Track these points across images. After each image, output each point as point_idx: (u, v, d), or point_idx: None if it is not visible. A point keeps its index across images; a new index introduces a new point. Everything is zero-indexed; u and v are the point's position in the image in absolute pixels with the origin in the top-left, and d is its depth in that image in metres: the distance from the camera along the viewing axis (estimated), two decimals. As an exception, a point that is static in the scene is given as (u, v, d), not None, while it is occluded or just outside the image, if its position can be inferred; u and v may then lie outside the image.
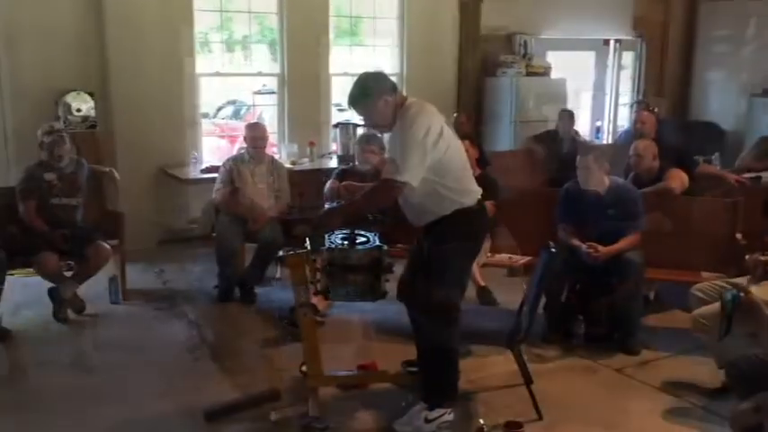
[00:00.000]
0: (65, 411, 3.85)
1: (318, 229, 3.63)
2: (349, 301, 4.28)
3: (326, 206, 4.46)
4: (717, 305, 3.68)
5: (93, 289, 5.46)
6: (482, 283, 5.42)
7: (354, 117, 5.93)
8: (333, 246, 3.56)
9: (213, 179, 5.96)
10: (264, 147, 5.90)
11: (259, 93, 9.27)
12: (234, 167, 5.74)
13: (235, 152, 7.05)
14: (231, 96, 11.14)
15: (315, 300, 4.05)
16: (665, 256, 4.93)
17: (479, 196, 3.64)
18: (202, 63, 7.52)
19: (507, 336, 3.88)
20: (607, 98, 10.36)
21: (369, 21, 8.51)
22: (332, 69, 8.05)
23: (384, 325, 5.00)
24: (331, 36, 8.09)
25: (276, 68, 7.87)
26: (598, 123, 10.12)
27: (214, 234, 5.74)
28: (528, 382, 3.83)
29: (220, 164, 6.05)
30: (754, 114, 9.63)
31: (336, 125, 7.85)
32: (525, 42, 9.00)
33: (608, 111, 10.40)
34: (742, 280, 3.84)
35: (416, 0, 8.37)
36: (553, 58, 9.29)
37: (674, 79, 10.86)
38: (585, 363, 4.54)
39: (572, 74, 9.47)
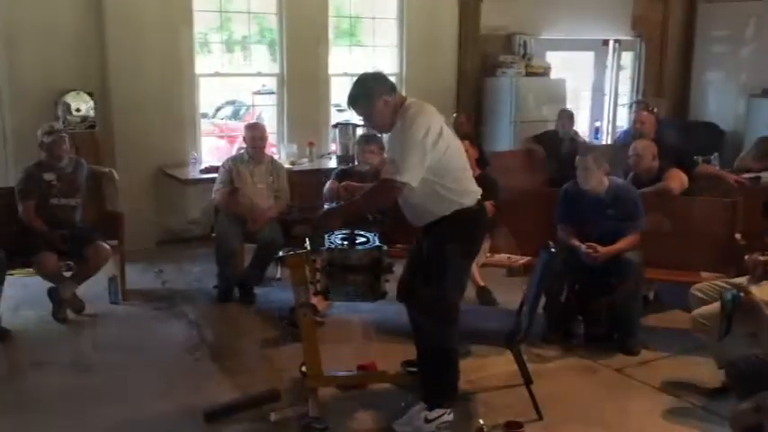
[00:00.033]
0: (64, 411, 3.85)
1: (318, 229, 3.64)
2: (349, 301, 4.29)
3: (326, 206, 4.46)
4: (716, 305, 3.69)
5: (93, 289, 5.46)
6: (481, 284, 5.42)
7: (354, 117, 5.93)
8: (332, 246, 3.56)
9: (212, 179, 5.97)
10: (264, 147, 5.89)
11: (258, 93, 9.28)
12: (233, 168, 5.74)
13: (234, 152, 7.04)
14: (230, 97, 11.14)
15: (314, 300, 4.05)
16: (664, 257, 4.93)
17: (479, 196, 3.64)
18: (202, 63, 7.52)
19: (507, 336, 3.88)
20: (606, 98, 10.36)
21: (368, 21, 8.50)
22: (331, 70, 8.05)
23: (384, 325, 5.01)
24: (330, 36, 8.08)
25: (275, 69, 7.87)
26: (597, 124, 10.11)
27: (213, 234, 5.74)
28: (528, 382, 3.83)
29: (220, 164, 6.05)
30: (754, 115, 9.63)
31: (336, 125, 7.85)
32: (525, 42, 9.00)
33: (607, 111, 10.40)
34: (741, 280, 3.84)
35: (416, 0, 8.37)
36: (552, 58, 9.29)
37: (673, 79, 10.87)
38: (585, 363, 4.54)
39: (571, 74, 9.47)
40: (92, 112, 6.61)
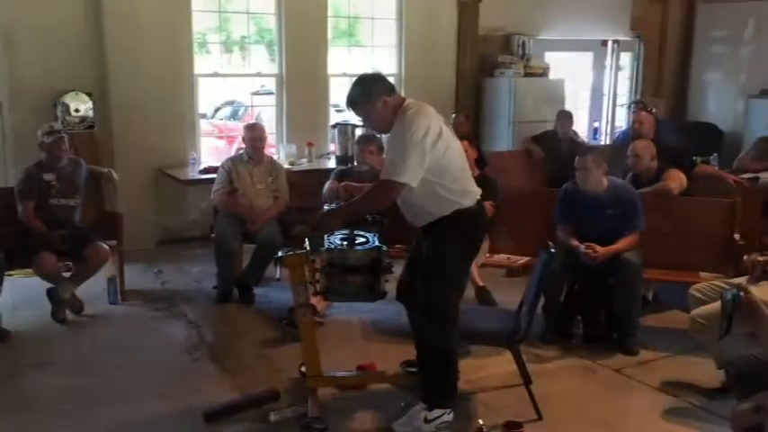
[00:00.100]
0: (64, 411, 3.85)
1: (318, 230, 3.63)
2: (348, 301, 4.32)
3: (326, 207, 4.46)
4: (715, 305, 3.68)
5: (92, 289, 5.46)
6: (480, 284, 5.42)
7: (353, 118, 5.94)
8: (332, 246, 3.56)
9: (212, 180, 5.97)
10: (263, 147, 5.89)
11: (257, 93, 9.29)
12: (232, 168, 5.74)
13: (233, 153, 7.04)
14: (229, 97, 11.15)
15: (314, 300, 4.06)
16: (663, 257, 4.94)
17: (478, 197, 3.64)
18: (200, 63, 7.52)
19: (506, 336, 3.88)
20: (605, 99, 10.36)
21: (367, 21, 8.51)
22: (330, 70, 8.06)
23: (383, 325, 5.01)
24: (329, 37, 8.08)
25: (274, 69, 7.87)
26: (596, 124, 10.11)
27: (213, 235, 5.74)
28: (527, 382, 3.83)
29: (219, 164, 6.05)
30: (752, 115, 9.64)
31: (335, 126, 7.86)
32: (524, 43, 9.01)
33: (606, 111, 10.40)
34: (740, 280, 3.84)
35: (415, 1, 8.38)
36: (551, 58, 9.30)
37: (671, 80, 10.88)
38: (584, 363, 4.54)
39: (570, 74, 9.48)
40: (91, 113, 6.60)
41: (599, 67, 10.21)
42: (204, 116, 9.00)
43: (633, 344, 4.66)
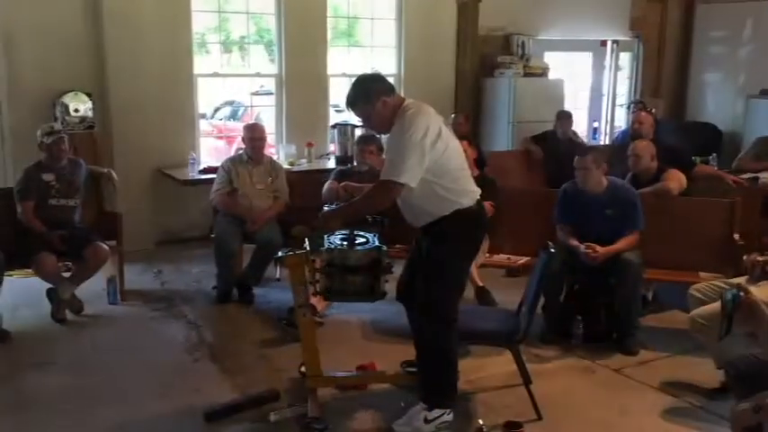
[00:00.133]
0: (64, 412, 3.85)
1: (318, 231, 3.63)
2: (348, 301, 4.31)
3: (325, 207, 4.47)
4: (715, 305, 3.69)
5: (92, 290, 5.46)
6: (480, 284, 5.42)
7: (352, 118, 5.95)
8: (332, 246, 3.56)
9: (211, 180, 5.96)
10: (263, 147, 5.89)
11: (257, 94, 9.29)
12: (232, 168, 5.74)
13: (233, 153, 7.04)
14: (229, 97, 11.15)
15: (314, 300, 4.06)
16: (663, 257, 4.95)
17: (478, 197, 3.64)
18: (200, 64, 7.52)
19: (506, 336, 3.88)
20: (604, 99, 10.36)
21: (366, 21, 8.51)
22: (330, 70, 8.06)
23: (383, 325, 5.01)
24: (329, 37, 8.08)
25: (274, 69, 7.88)
26: (595, 124, 10.12)
27: (212, 235, 5.74)
28: (527, 382, 3.83)
29: (218, 164, 6.05)
30: (751, 115, 9.63)
31: (334, 126, 7.86)
32: (523, 43, 9.01)
33: (605, 111, 10.41)
34: (740, 280, 3.85)
35: (414, 1, 8.38)
36: (551, 58, 9.30)
37: (670, 80, 10.88)
38: (584, 363, 4.54)
39: (569, 75, 9.48)
40: (90, 113, 6.60)
41: (598, 67, 10.22)
42: (204, 116, 9.01)
43: (633, 344, 4.67)
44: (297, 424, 3.67)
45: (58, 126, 5.61)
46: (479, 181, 3.94)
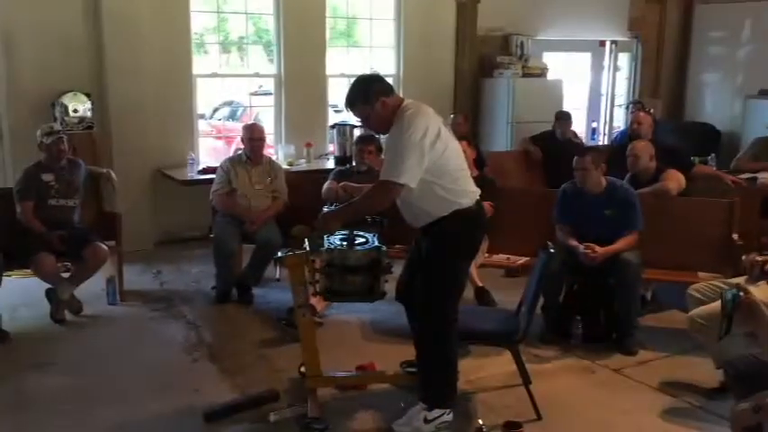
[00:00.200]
0: (63, 412, 3.85)
1: (318, 231, 3.63)
2: (348, 301, 4.31)
3: (325, 208, 4.47)
4: (714, 305, 3.70)
5: (91, 290, 5.46)
6: (480, 284, 5.42)
7: (351, 118, 5.96)
8: (332, 246, 3.56)
9: (210, 180, 5.96)
10: (262, 148, 5.88)
11: (255, 94, 9.29)
12: (231, 168, 5.74)
13: (232, 153, 7.04)
14: (227, 97, 11.14)
15: (313, 300, 4.06)
16: (662, 257, 4.96)
17: (477, 197, 3.64)
18: (198, 64, 7.52)
19: (505, 336, 3.89)
20: (603, 99, 10.37)
21: (365, 22, 8.51)
22: (329, 70, 8.06)
23: (382, 325, 5.01)
24: (327, 37, 8.08)
25: (273, 69, 7.88)
26: (594, 124, 10.13)
27: (212, 235, 5.74)
28: (526, 382, 3.84)
29: (217, 165, 6.05)
30: (750, 115, 9.64)
31: (333, 126, 7.87)
32: (522, 43, 9.01)
33: (604, 112, 10.42)
34: (739, 280, 3.85)
35: (413, 1, 8.38)
36: (549, 59, 9.31)
37: (669, 80, 10.89)
38: (583, 363, 4.55)
39: (568, 75, 9.49)
40: (89, 113, 6.59)
41: (597, 67, 10.22)
42: (202, 117, 9.00)
43: (632, 344, 4.67)
44: (296, 424, 3.67)
45: (57, 126, 5.61)
46: (479, 181, 3.94)
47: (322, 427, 3.60)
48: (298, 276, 3.70)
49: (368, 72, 7.20)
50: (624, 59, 10.52)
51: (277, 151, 7.65)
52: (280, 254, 3.79)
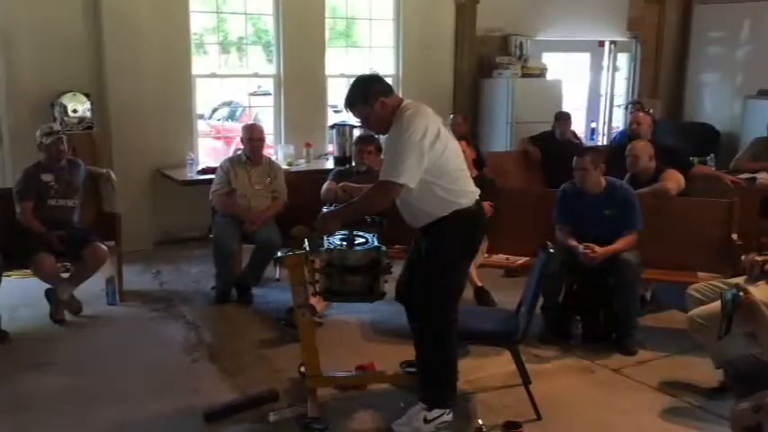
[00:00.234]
0: (63, 412, 3.84)
1: (317, 232, 3.63)
2: (347, 301, 4.31)
3: (324, 208, 4.47)
4: (714, 305, 3.71)
5: (90, 290, 5.46)
6: (479, 284, 5.43)
7: (351, 118, 5.96)
8: (331, 247, 3.56)
9: (210, 180, 5.97)
10: (262, 148, 5.88)
11: (255, 94, 9.29)
12: (231, 169, 5.74)
13: (231, 153, 7.04)
14: (227, 98, 11.15)
15: (313, 300, 4.06)
16: (661, 257, 4.96)
17: (477, 197, 3.64)
18: (198, 64, 7.52)
19: (505, 336, 3.89)
20: (602, 99, 10.38)
21: (364, 22, 8.51)
22: (328, 71, 8.06)
23: (382, 326, 5.01)
24: (327, 37, 8.08)
25: (271, 70, 7.88)
26: (593, 125, 10.14)
27: (211, 235, 5.74)
28: (526, 382, 3.84)
29: (216, 165, 6.05)
30: (749, 116, 9.64)
31: (332, 126, 7.87)
32: (521, 44, 9.02)
33: (603, 112, 10.42)
34: (738, 280, 3.86)
35: (412, 1, 8.39)
36: (549, 59, 9.31)
37: (668, 81, 10.90)
38: (583, 363, 4.55)
39: (567, 75, 9.49)
40: (89, 114, 6.59)
41: (596, 67, 10.22)
42: (202, 117, 9.01)
43: (632, 344, 4.67)
44: (296, 424, 3.67)
45: (56, 126, 5.60)
46: (478, 181, 3.94)
47: (322, 427, 3.60)
48: (297, 276, 3.70)
49: (367, 72, 7.19)
50: (623, 60, 10.53)
51: (276, 151, 7.65)
52: (279, 254, 3.80)
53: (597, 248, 4.61)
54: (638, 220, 4.76)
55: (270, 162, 6.00)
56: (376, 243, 3.63)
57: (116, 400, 3.99)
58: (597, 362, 4.54)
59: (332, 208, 3.84)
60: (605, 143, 9.62)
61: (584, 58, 10.11)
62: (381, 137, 4.52)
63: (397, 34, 8.46)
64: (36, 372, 4.35)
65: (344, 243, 3.59)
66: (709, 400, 3.98)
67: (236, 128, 8.70)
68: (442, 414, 3.60)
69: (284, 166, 6.77)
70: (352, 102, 3.57)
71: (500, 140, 8.75)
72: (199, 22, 7.54)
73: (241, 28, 8.06)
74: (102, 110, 6.76)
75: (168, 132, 7.17)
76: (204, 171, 6.80)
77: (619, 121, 10.44)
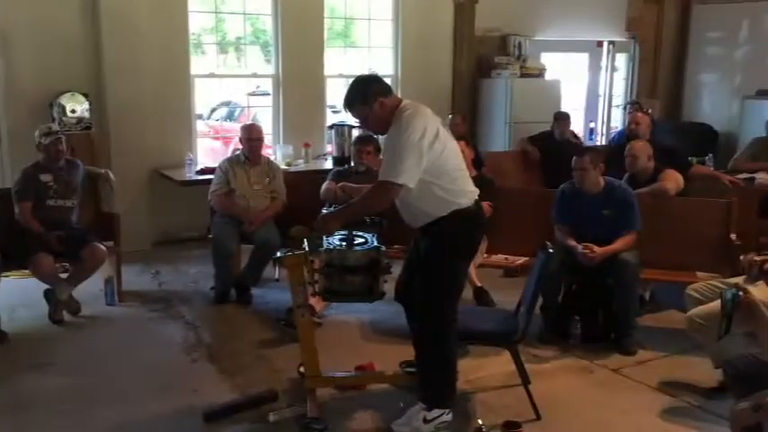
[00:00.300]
0: (62, 412, 3.84)
1: (317, 233, 3.63)
2: (347, 302, 4.31)
3: (324, 208, 4.47)
4: (713, 305, 3.71)
5: (89, 291, 5.45)
6: (479, 284, 5.42)
7: (349, 119, 5.97)
8: (331, 247, 3.56)
9: (208, 181, 5.96)
10: (260, 148, 5.88)
11: (253, 94, 9.29)
12: (229, 169, 5.74)
13: (230, 153, 7.04)
14: (225, 98, 11.15)
15: (312, 301, 4.05)
16: (660, 257, 4.96)
17: (476, 197, 3.64)
18: (196, 64, 7.51)
19: (505, 336, 3.89)
20: (601, 99, 10.38)
21: (363, 22, 8.52)
22: (326, 71, 8.06)
23: (382, 326, 5.01)
24: (325, 37, 8.08)
25: (270, 70, 7.88)
26: (592, 125, 10.15)
27: (210, 235, 5.74)
28: (526, 382, 3.84)
29: (215, 165, 6.05)
30: (748, 116, 9.65)
31: (331, 126, 7.87)
32: (520, 44, 9.02)
33: (601, 112, 10.43)
34: (737, 280, 3.86)
35: (411, 1, 8.39)
36: (547, 59, 9.32)
37: (667, 81, 10.91)
38: (582, 363, 4.55)
39: (566, 75, 9.50)
40: (87, 114, 6.58)
41: (595, 67, 10.23)
42: (200, 117, 9.00)
43: (631, 344, 4.68)
44: (296, 424, 3.67)
45: (55, 127, 5.60)
46: (478, 181, 3.94)
47: (321, 427, 3.60)
48: (297, 277, 3.70)
49: (366, 72, 7.19)
50: (622, 60, 10.53)
51: (275, 151, 7.64)
52: (279, 254, 3.79)
53: (596, 248, 4.61)
54: (636, 220, 4.76)
55: (269, 162, 6.00)
56: (375, 243, 3.63)
57: (116, 400, 3.98)
58: (596, 362, 4.54)
59: (331, 208, 3.84)
60: (604, 143, 9.63)
61: (583, 59, 10.11)
62: (380, 137, 4.52)
63: (396, 34, 8.47)
64: (35, 372, 4.35)
65: (344, 243, 3.59)
66: (708, 400, 3.99)
67: (235, 128, 8.70)
68: (442, 414, 3.60)
69: (283, 167, 6.78)
70: (351, 102, 3.57)
71: (499, 140, 8.75)
72: (197, 22, 7.54)
73: (239, 28, 8.06)
74: (100, 110, 6.76)
75: (167, 132, 7.16)
76: (203, 171, 6.80)
77: (617, 121, 10.45)
